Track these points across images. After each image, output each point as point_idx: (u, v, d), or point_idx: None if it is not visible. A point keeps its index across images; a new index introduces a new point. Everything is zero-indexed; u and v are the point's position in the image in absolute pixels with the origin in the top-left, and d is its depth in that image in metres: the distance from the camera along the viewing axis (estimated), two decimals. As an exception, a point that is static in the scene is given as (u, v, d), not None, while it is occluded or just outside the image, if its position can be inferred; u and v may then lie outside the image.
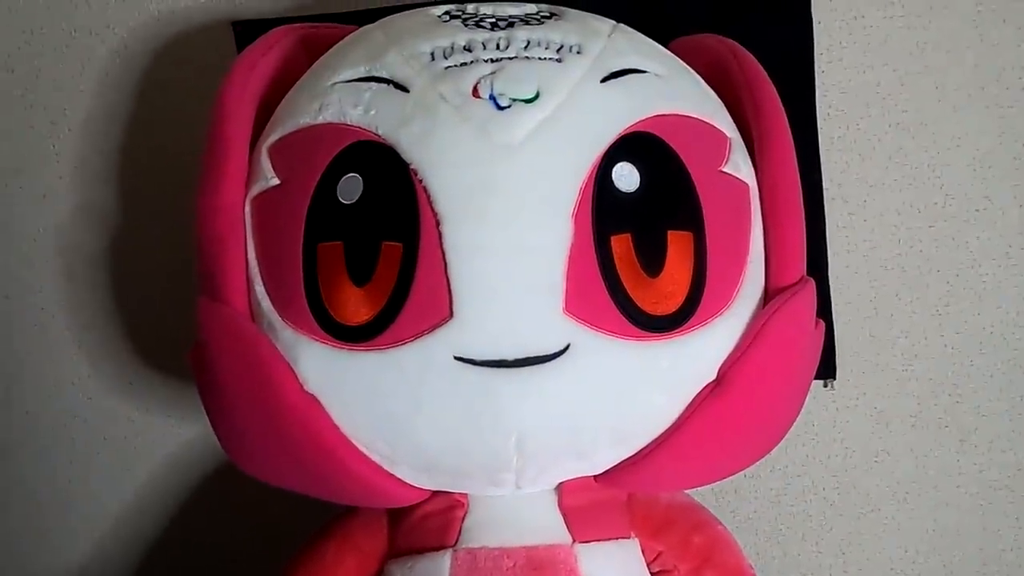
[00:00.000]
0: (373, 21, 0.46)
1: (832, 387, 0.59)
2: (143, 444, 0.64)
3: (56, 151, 0.62)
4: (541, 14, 0.44)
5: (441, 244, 0.37)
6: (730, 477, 0.48)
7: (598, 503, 0.45)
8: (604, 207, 0.39)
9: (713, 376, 0.41)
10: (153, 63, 0.60)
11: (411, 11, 0.45)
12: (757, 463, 0.47)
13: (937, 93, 0.57)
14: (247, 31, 0.56)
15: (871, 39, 0.57)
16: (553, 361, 0.38)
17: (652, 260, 0.39)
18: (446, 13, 0.44)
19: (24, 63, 0.61)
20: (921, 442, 0.60)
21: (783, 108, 0.44)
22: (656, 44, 0.45)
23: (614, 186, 0.39)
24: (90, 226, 0.62)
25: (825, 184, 0.57)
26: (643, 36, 0.45)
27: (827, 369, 0.58)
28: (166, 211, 0.61)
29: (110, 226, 0.62)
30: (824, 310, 0.57)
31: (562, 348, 0.38)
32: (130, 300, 0.63)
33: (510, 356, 0.38)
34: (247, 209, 0.42)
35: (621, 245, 0.39)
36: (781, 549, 0.62)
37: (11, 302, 0.63)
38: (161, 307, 0.62)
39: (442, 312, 0.38)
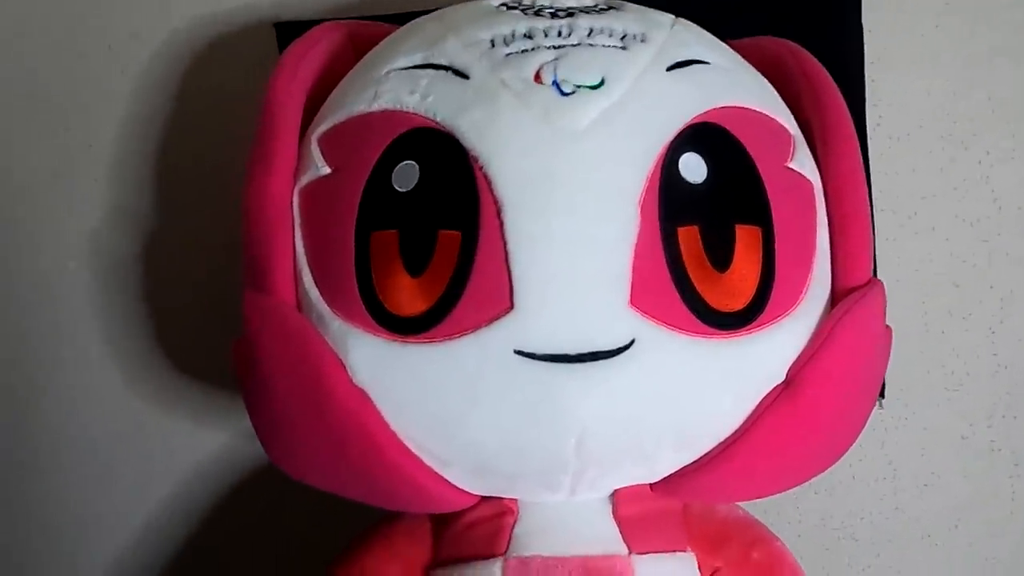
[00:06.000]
0: (415, 23, 0.45)
1: (881, 406, 0.57)
2: (172, 451, 0.63)
3: (93, 154, 0.61)
4: (599, 6, 0.43)
5: (502, 233, 0.36)
6: (784, 492, 0.46)
7: (654, 513, 0.43)
8: (671, 198, 0.37)
9: (782, 378, 0.40)
10: (194, 65, 0.60)
11: (466, 3, 0.44)
12: (801, 485, 0.45)
13: (990, 104, 0.56)
14: (289, 32, 0.56)
15: (922, 49, 0.56)
16: (617, 356, 0.37)
17: (720, 254, 0.38)
18: (503, 4, 0.43)
19: (64, 67, 0.61)
20: (973, 465, 0.58)
21: (846, 105, 0.44)
22: (716, 39, 0.45)
23: (681, 176, 0.38)
24: (125, 230, 0.61)
25: (875, 196, 0.56)
26: (703, 30, 0.45)
27: (876, 387, 0.57)
28: (202, 215, 0.60)
29: (145, 230, 0.61)
30: (874, 324, 0.55)
31: (627, 343, 0.37)
32: (163, 305, 0.62)
33: (572, 350, 0.36)
34: (295, 200, 0.41)
35: (689, 237, 0.37)
36: (826, 574, 0.59)
37: (44, 307, 0.62)
38: (195, 313, 0.61)
39: (502, 303, 0.36)
